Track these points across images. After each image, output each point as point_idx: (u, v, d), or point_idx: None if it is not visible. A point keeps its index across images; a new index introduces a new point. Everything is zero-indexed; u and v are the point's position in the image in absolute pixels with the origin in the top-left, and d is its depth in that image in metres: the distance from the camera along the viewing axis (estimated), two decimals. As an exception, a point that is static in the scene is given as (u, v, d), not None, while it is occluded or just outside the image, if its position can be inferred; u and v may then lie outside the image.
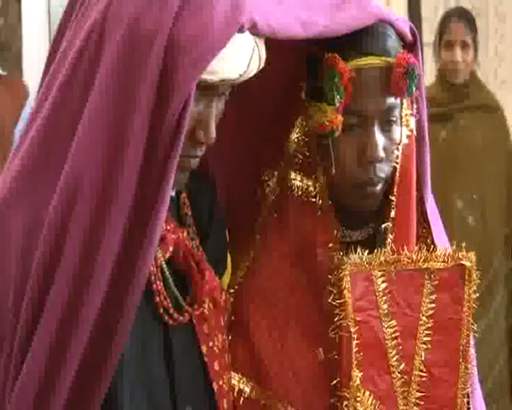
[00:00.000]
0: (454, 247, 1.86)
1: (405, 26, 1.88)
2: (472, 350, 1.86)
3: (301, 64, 1.87)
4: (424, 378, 1.82)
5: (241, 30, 1.53)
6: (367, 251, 1.81)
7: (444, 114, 4.61)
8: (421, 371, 1.82)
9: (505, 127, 5.14)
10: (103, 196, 1.50)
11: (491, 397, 4.46)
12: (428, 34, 5.17)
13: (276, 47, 1.67)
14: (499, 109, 5.13)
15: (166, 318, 1.65)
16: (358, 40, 1.79)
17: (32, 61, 4.84)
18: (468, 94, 4.97)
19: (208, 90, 1.57)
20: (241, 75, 1.59)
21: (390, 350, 1.81)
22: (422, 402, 1.81)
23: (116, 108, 1.51)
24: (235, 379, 1.81)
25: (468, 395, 1.85)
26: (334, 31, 1.75)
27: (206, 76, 1.51)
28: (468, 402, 1.85)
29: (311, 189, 1.88)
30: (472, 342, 1.85)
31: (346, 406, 1.78)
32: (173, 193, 1.67)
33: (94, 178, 1.50)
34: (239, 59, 1.57)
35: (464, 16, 5.09)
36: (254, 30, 1.57)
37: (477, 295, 1.84)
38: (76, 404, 1.53)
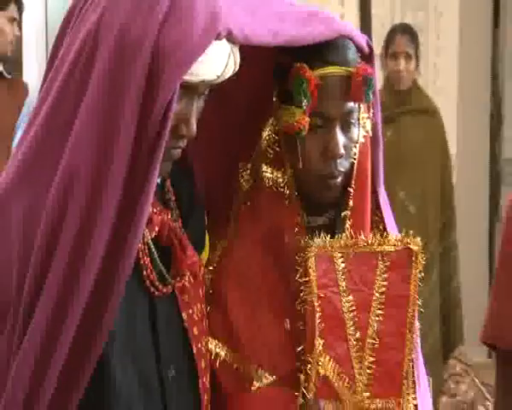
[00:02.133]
0: (403, 233, 1.87)
1: (363, 40, 1.88)
2: (416, 322, 1.86)
3: (271, 72, 1.87)
4: (376, 345, 1.82)
5: (218, 37, 1.54)
6: (328, 235, 1.81)
7: (389, 117, 4.62)
8: (373, 339, 1.82)
9: (442, 129, 5.17)
10: (97, 184, 1.50)
11: (427, 361, 4.48)
12: (376, 46, 5.19)
13: (251, 55, 1.68)
14: (437, 113, 5.17)
15: (152, 289, 1.65)
16: (323, 52, 1.79)
17: (31, 63, 4.82)
18: (411, 99, 5.01)
19: (189, 89, 1.57)
20: (218, 77, 1.59)
21: (347, 321, 1.81)
22: (374, 366, 1.82)
23: (108, 106, 1.51)
24: (212, 344, 1.81)
25: (412, 359, 1.86)
26: (300, 41, 1.75)
27: (187, 77, 1.52)
28: (412, 366, 1.86)
29: (280, 180, 1.88)
30: (416, 315, 1.85)
31: (310, 369, 1.79)
32: (159, 180, 1.66)
33: (89, 168, 1.50)
34: (216, 63, 1.57)
35: (408, 31, 5.12)
36: (230, 37, 1.57)
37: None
38: (71, 369, 1.51)
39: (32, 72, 4.71)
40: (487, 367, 5.48)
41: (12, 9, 4.41)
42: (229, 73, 1.62)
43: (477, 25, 6.44)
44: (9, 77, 4.57)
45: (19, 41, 4.74)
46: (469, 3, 6.42)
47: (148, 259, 1.65)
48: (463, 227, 5.31)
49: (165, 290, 1.67)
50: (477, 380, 5.29)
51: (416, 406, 1.88)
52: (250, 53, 1.67)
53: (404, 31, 5.10)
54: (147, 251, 1.65)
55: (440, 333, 4.94)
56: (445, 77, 6.28)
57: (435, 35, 6.40)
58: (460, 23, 6.40)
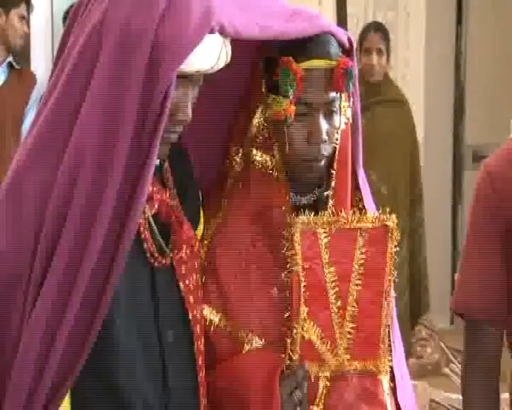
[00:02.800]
0: (380, 211, 1.87)
1: (344, 36, 1.88)
2: (392, 292, 1.86)
3: (261, 64, 1.86)
4: (355, 313, 1.82)
5: (211, 31, 1.54)
6: (313, 213, 1.81)
7: (363, 106, 4.61)
8: (353, 307, 1.82)
9: (410, 117, 5.18)
10: (102, 163, 1.50)
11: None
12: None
13: (243, 50, 1.69)
14: (406, 103, 5.18)
15: (152, 261, 1.65)
16: (307, 46, 1.79)
17: (38, 55, 4.79)
18: (382, 90, 5.01)
19: (185, 78, 1.57)
20: (212, 67, 1.59)
21: (329, 290, 1.81)
22: (354, 331, 1.82)
23: (112, 93, 1.51)
24: (207, 311, 1.81)
25: (388, 325, 1.86)
26: (286, 36, 1.76)
27: (183, 67, 1.52)
28: (388, 331, 1.86)
29: (269, 163, 1.88)
30: (392, 285, 1.85)
31: (295, 333, 1.79)
32: (158, 162, 1.65)
33: (95, 149, 1.50)
34: (210, 54, 1.57)
35: (380, 29, 5.12)
36: (222, 31, 1.57)
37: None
38: (78, 332, 1.51)
39: (39, 63, 4.69)
40: (450, 333, 5.53)
41: (22, 8, 4.40)
42: (221, 64, 1.62)
43: (442, 23, 6.45)
44: (19, 68, 4.55)
45: (27, 36, 4.73)
46: (435, 4, 6.41)
47: (149, 233, 1.65)
48: (429, 206, 5.32)
49: (164, 262, 1.67)
50: (442, 344, 5.32)
51: (391, 367, 1.88)
52: (241, 46, 1.67)
53: (377, 29, 5.10)
54: (147, 226, 1.65)
55: (408, 302, 4.96)
56: (412, 70, 6.29)
57: (404, 32, 6.40)
58: (426, 21, 6.40)
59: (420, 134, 5.36)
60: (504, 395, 1.92)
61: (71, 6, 1.63)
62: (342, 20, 5.51)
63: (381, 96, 4.96)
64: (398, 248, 1.85)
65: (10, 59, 4.48)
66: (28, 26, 4.51)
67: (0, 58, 4.43)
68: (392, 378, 1.90)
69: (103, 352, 1.56)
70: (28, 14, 4.46)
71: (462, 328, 1.97)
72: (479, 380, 1.88)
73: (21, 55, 4.66)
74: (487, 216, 1.84)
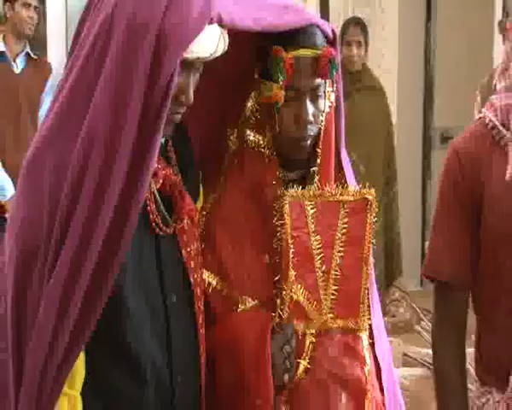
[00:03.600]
0: (360, 186, 1.86)
1: (328, 28, 1.87)
2: (371, 258, 1.86)
3: (254, 53, 1.85)
4: (338, 276, 1.81)
5: (210, 22, 1.53)
6: (300, 187, 1.80)
7: (344, 93, 4.61)
8: (336, 271, 1.81)
9: (386, 102, 5.17)
10: (112, 142, 1.50)
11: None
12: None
13: (238, 39, 1.66)
14: (382, 90, 5.17)
15: (157, 230, 1.65)
16: (296, 37, 1.78)
17: (54, 46, 4.77)
18: (361, 79, 4.99)
19: (187, 65, 1.56)
20: (211, 55, 1.58)
21: (315, 257, 1.80)
22: (337, 293, 1.82)
23: (121, 79, 1.50)
24: (206, 275, 1.81)
25: (368, 288, 1.86)
26: (277, 27, 1.75)
27: (185, 55, 1.52)
28: (368, 293, 1.86)
29: (261, 142, 1.87)
30: (370, 252, 1.85)
31: (285, 295, 1.78)
32: (162, 140, 1.65)
33: (107, 129, 1.50)
34: (209, 43, 1.56)
35: (359, 23, 5.11)
36: (220, 22, 1.57)
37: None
38: (91, 295, 1.51)
39: (55, 53, 4.66)
40: (420, 294, 5.56)
41: None
42: (219, 52, 1.60)
43: (413, 19, 6.45)
44: (35, 57, 4.52)
45: (43, 29, 4.70)
46: (407, 1, 6.41)
47: (154, 205, 1.64)
48: (402, 182, 5.33)
49: (167, 231, 1.66)
50: (413, 304, 5.35)
51: (370, 325, 1.88)
52: (236, 36, 1.65)
53: (356, 23, 5.09)
54: (153, 199, 1.64)
55: (384, 267, 4.98)
56: (387, 61, 6.29)
57: (380, 27, 6.39)
58: (399, 17, 6.41)
59: (394, 118, 5.36)
60: (469, 350, 1.92)
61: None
62: (325, 15, 5.50)
63: (360, 84, 4.95)
64: (375, 220, 1.84)
65: (27, 49, 4.45)
66: (40, 15, 4.45)
67: (18, 48, 4.40)
68: (371, 335, 1.90)
69: (113, 315, 1.56)
70: (39, 1, 4.39)
71: (431, 290, 1.97)
72: (448, 337, 1.88)
73: (38, 46, 4.63)
74: (454, 190, 1.84)
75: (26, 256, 1.52)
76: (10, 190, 4.19)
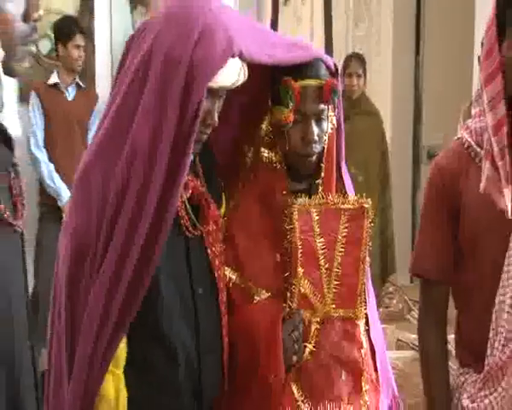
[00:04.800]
0: (358, 195, 1.86)
1: (331, 61, 1.86)
2: (367, 257, 1.85)
3: (268, 82, 1.85)
4: (339, 273, 1.81)
5: (233, 56, 1.54)
6: (307, 197, 1.80)
7: (345, 116, 4.60)
8: (337, 268, 1.81)
9: (381, 124, 5.15)
10: (150, 159, 1.51)
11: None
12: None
13: (255, 71, 1.67)
14: (378, 114, 5.15)
15: (187, 233, 1.66)
16: (303, 69, 1.78)
17: (101, 78, 4.80)
18: (360, 104, 4.97)
19: (213, 92, 1.57)
20: (233, 84, 1.59)
21: (320, 256, 1.80)
22: (338, 287, 1.81)
23: (158, 104, 1.51)
24: (227, 271, 1.80)
25: (364, 283, 1.85)
26: (287, 62, 1.75)
27: (211, 84, 1.52)
28: (364, 287, 1.85)
29: (273, 158, 1.87)
30: (367, 252, 1.85)
31: (293, 288, 1.78)
32: (192, 156, 1.64)
33: (146, 148, 1.51)
34: (231, 74, 1.57)
35: (358, 57, 5.10)
36: (241, 57, 1.57)
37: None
38: (132, 289, 1.52)
39: (102, 84, 4.69)
40: (410, 288, 5.51)
41: (77, 38, 4.36)
42: (240, 82, 1.61)
43: (404, 53, 6.40)
44: (84, 87, 4.55)
45: (92, 63, 4.73)
46: (399, 38, 6.39)
47: (185, 211, 1.65)
48: (395, 192, 5.30)
49: (195, 233, 1.67)
50: (404, 296, 5.31)
51: (366, 314, 1.87)
52: (254, 69, 1.66)
53: (357, 58, 5.09)
54: (183, 206, 1.65)
55: (379, 265, 4.95)
56: (382, 89, 6.26)
57: (376, 60, 6.37)
58: (392, 52, 6.37)
59: (388, 138, 5.33)
60: (451, 336, 1.91)
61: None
62: (329, 51, 5.49)
63: (359, 109, 4.93)
64: (372, 224, 1.84)
65: (77, 80, 4.48)
66: (87, 52, 4.50)
67: (69, 80, 4.43)
68: (367, 322, 1.90)
69: (151, 305, 1.57)
70: (86, 41, 4.41)
71: (419, 285, 1.96)
72: (432, 324, 1.87)
73: (88, 77, 4.67)
74: (437, 199, 1.83)
75: (78, 255, 1.53)
76: (66, 197, 4.21)
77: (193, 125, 1.51)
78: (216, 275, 1.71)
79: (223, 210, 1.83)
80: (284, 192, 1.84)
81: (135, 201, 1.50)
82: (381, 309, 4.82)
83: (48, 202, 4.31)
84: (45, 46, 4.62)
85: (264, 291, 1.81)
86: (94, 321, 1.50)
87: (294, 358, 1.76)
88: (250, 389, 1.77)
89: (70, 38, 4.34)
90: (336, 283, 1.81)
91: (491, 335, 1.72)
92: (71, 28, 4.35)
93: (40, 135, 4.35)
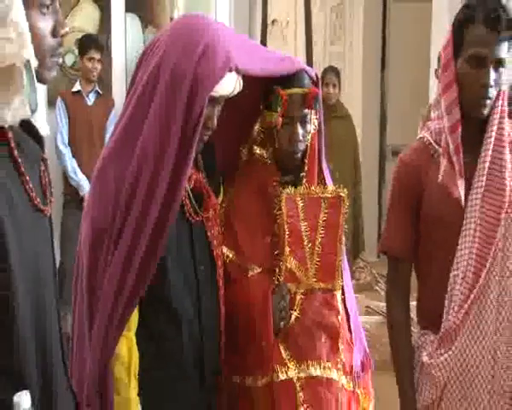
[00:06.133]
0: (336, 187, 1.86)
1: (313, 72, 1.86)
2: (344, 238, 1.84)
3: (260, 91, 1.83)
4: (320, 251, 1.81)
5: (230, 70, 1.53)
6: (293, 187, 1.80)
7: (324, 120, 4.60)
8: (318, 247, 1.80)
9: (353, 127, 5.14)
10: (159, 158, 1.49)
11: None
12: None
13: (248, 81, 1.65)
14: (351, 118, 5.14)
15: (190, 218, 1.64)
16: (290, 79, 1.77)
17: (117, 86, 4.77)
18: (336, 110, 4.96)
19: (213, 100, 1.55)
20: (230, 93, 1.57)
21: (304, 237, 1.79)
22: (319, 263, 1.81)
23: (165, 111, 1.49)
24: (225, 250, 1.79)
25: (341, 260, 1.85)
26: (277, 73, 1.75)
27: (212, 93, 1.51)
28: (341, 264, 1.85)
29: (265, 155, 1.86)
30: (343, 234, 1.84)
31: (281, 264, 1.78)
32: (194, 154, 1.62)
33: (157, 148, 1.49)
34: (229, 85, 1.55)
35: (334, 70, 5.09)
36: (237, 70, 1.56)
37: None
38: (143, 269, 1.50)
39: (118, 91, 4.66)
40: (377, 264, 5.53)
41: (91, 52, 4.32)
42: (236, 91, 1.60)
43: (372, 68, 6.42)
44: (102, 94, 4.52)
45: (109, 74, 4.70)
46: (368, 55, 6.38)
47: (188, 200, 1.63)
48: (364, 185, 5.31)
49: (197, 219, 1.65)
50: (373, 270, 5.34)
51: (342, 286, 1.88)
52: (248, 79, 1.65)
53: (332, 70, 5.07)
54: (187, 196, 1.63)
55: (352, 244, 4.96)
56: (354, 97, 6.27)
57: (349, 73, 6.36)
58: (362, 67, 6.39)
59: (359, 138, 5.33)
60: (413, 303, 1.91)
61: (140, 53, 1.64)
62: (310, 64, 5.46)
63: (335, 114, 4.91)
64: (347, 210, 1.83)
65: (97, 88, 4.46)
66: (104, 64, 4.46)
67: (89, 88, 4.41)
68: (343, 292, 1.90)
69: (159, 279, 1.55)
70: (101, 54, 4.37)
71: (385, 261, 1.95)
72: (397, 294, 1.86)
73: (106, 86, 4.64)
74: (402, 190, 1.82)
75: (97, 238, 1.51)
76: (86, 187, 4.21)
77: (196, 129, 1.50)
78: (214, 254, 1.70)
79: (221, 199, 1.81)
80: (274, 183, 1.83)
81: (145, 192, 1.48)
82: (353, 281, 4.83)
83: (71, 191, 4.30)
84: (70, 59, 4.58)
85: (256, 267, 1.80)
86: (111, 293, 1.49)
87: (282, 323, 1.75)
88: (246, 349, 1.77)
89: (86, 52, 4.33)
90: (317, 260, 1.80)
91: (446, 303, 1.72)
92: (87, 44, 4.34)
93: (65, 134, 4.33)
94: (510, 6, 1.69)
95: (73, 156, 4.33)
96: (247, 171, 1.87)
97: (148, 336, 1.58)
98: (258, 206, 1.83)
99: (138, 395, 1.54)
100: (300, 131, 1.80)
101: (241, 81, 1.60)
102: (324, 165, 1.93)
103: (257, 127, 1.88)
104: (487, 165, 1.69)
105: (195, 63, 1.49)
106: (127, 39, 4.81)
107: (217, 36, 1.54)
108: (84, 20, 4.69)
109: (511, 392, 1.69)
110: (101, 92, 4.48)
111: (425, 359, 1.76)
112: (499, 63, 1.66)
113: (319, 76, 1.92)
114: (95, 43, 4.35)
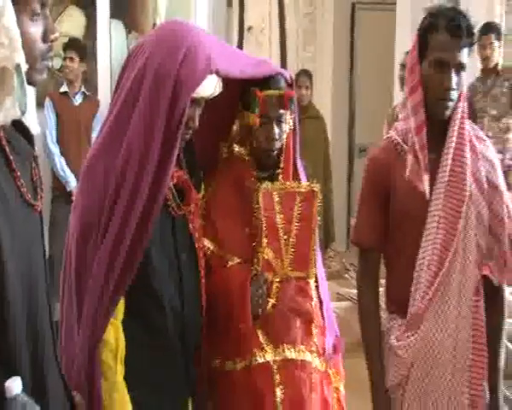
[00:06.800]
0: (309, 182, 1.85)
1: (288, 75, 1.84)
2: (317, 229, 1.84)
3: (239, 92, 1.82)
4: (295, 242, 1.80)
5: (211, 72, 1.51)
6: (270, 182, 1.79)
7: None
8: (293, 238, 1.80)
9: (324, 126, 5.12)
10: (144, 154, 1.47)
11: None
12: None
13: (228, 83, 1.64)
14: (322, 118, 5.13)
15: (173, 212, 1.62)
16: (267, 82, 1.76)
17: (102, 89, 4.72)
18: (308, 110, 4.94)
19: (194, 101, 1.53)
20: (211, 94, 1.56)
21: (280, 229, 1.79)
22: (294, 253, 1.80)
23: (149, 111, 1.48)
24: (206, 242, 1.77)
25: (315, 249, 1.84)
26: (255, 75, 1.73)
27: (193, 95, 1.49)
28: (315, 253, 1.84)
29: (243, 152, 1.85)
30: (317, 226, 1.83)
31: (259, 255, 1.77)
32: (177, 152, 1.61)
33: (141, 146, 1.47)
34: (209, 87, 1.54)
35: (306, 73, 5.07)
36: (217, 73, 1.54)
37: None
38: (129, 258, 1.48)
39: (103, 93, 4.62)
40: (346, 254, 5.58)
41: (68, 52, 4.27)
42: (216, 93, 1.58)
43: (341, 69, 6.44)
44: (89, 94, 4.47)
45: (95, 76, 4.67)
46: (338, 58, 6.40)
47: (171, 195, 1.62)
48: (334, 180, 5.29)
49: (180, 213, 1.64)
50: (342, 260, 5.36)
51: (315, 274, 1.87)
52: (228, 82, 1.63)
53: (305, 73, 5.05)
54: (170, 191, 1.61)
55: (323, 236, 4.97)
56: (325, 98, 6.29)
57: (320, 75, 6.37)
58: (333, 68, 6.41)
59: (329, 137, 5.34)
60: (381, 290, 1.92)
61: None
62: (284, 67, 5.45)
63: (307, 114, 4.88)
64: (320, 204, 1.83)
65: (83, 89, 4.42)
66: (90, 67, 4.43)
67: (76, 89, 4.35)
68: (316, 280, 1.90)
69: (144, 268, 1.53)
70: (79, 55, 4.30)
71: (354, 251, 1.95)
72: (367, 282, 1.87)
73: (92, 87, 4.60)
74: (372, 185, 1.83)
75: (85, 230, 1.49)
76: (73, 183, 4.18)
77: (178, 128, 1.48)
78: (196, 246, 1.68)
79: (202, 194, 1.80)
80: (252, 179, 1.82)
81: (131, 186, 1.46)
82: (324, 269, 4.85)
83: (59, 186, 4.26)
84: (57, 62, 4.52)
85: (235, 258, 1.79)
86: (98, 282, 1.47)
87: (260, 310, 1.74)
88: (226, 334, 1.76)
89: (65, 53, 4.29)
90: (293, 250, 1.80)
91: (413, 289, 1.73)
92: (66, 45, 4.30)
93: (54, 133, 4.29)
94: (470, 15, 1.71)
95: (61, 153, 4.29)
96: (226, 167, 1.85)
97: (135, 321, 1.56)
98: (236, 200, 1.81)
99: (124, 379, 1.52)
100: (277, 130, 1.79)
101: (221, 83, 1.59)
102: (299, 162, 1.92)
103: (236, 127, 1.86)
104: (450, 162, 1.71)
105: (178, 66, 1.47)
106: (112, 44, 4.77)
107: (198, 40, 1.53)
108: (71, 25, 4.64)
109: (470, 369, 1.71)
110: (87, 93, 4.44)
111: (393, 342, 1.77)
112: (460, 67, 1.67)
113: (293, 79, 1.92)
114: (73, 44, 4.32)
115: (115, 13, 4.77)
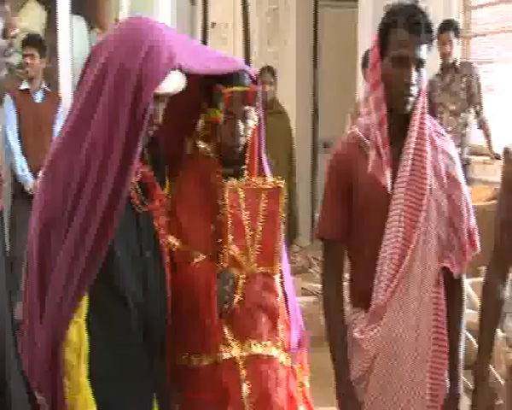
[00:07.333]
0: (274, 178, 1.86)
1: (252, 72, 1.85)
2: (282, 225, 1.84)
3: (203, 88, 1.81)
4: (260, 239, 1.80)
5: (173, 69, 1.51)
6: (235, 179, 1.79)
7: (261, 115, 4.60)
8: (259, 235, 1.80)
9: (288, 122, 5.13)
10: (107, 150, 1.47)
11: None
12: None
13: (192, 79, 1.63)
14: (286, 114, 5.13)
15: (137, 209, 1.61)
16: (231, 78, 1.76)
17: (64, 85, 4.65)
18: (272, 106, 4.93)
19: (158, 97, 1.53)
20: (174, 90, 1.56)
21: (245, 226, 1.79)
22: (259, 250, 1.80)
23: (113, 107, 1.47)
24: (171, 239, 1.76)
25: (280, 245, 1.85)
26: (218, 72, 1.73)
27: (157, 91, 1.49)
28: (280, 249, 1.85)
29: (208, 149, 1.84)
30: (282, 222, 1.83)
31: (225, 251, 1.77)
32: (140, 148, 1.59)
33: (105, 142, 1.47)
34: (173, 82, 1.54)
35: (270, 69, 5.05)
36: (180, 68, 1.54)
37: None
38: (94, 252, 1.47)
39: (65, 89, 4.55)
40: (311, 248, 5.60)
41: (27, 48, 4.17)
42: (180, 89, 1.58)
43: (305, 67, 6.47)
44: (50, 91, 4.39)
45: (57, 72, 4.58)
46: (301, 55, 6.42)
47: (135, 192, 1.61)
48: (299, 176, 5.31)
49: (144, 209, 1.63)
50: (307, 254, 5.39)
51: (281, 269, 1.88)
52: (191, 77, 1.62)
53: (269, 69, 5.04)
54: (134, 188, 1.60)
55: (287, 230, 4.96)
56: (289, 94, 6.29)
57: (284, 72, 6.38)
58: (296, 66, 6.42)
59: (293, 132, 5.35)
60: (346, 283, 1.93)
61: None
62: (248, 64, 5.45)
63: (271, 110, 4.87)
64: (285, 200, 1.83)
65: (44, 86, 4.34)
66: (57, 66, 4.36)
67: (37, 85, 4.27)
68: (281, 276, 1.90)
69: (108, 265, 1.52)
70: (39, 51, 4.20)
71: (318, 245, 1.96)
72: (331, 276, 1.87)
73: (53, 83, 4.53)
74: (335, 180, 1.83)
75: (47, 226, 1.48)
76: (31, 183, 4.13)
77: (141, 124, 1.48)
78: (161, 242, 1.67)
79: (166, 190, 1.78)
80: (217, 175, 1.82)
81: (95, 183, 1.46)
82: (289, 264, 4.87)
83: (19, 184, 4.19)
84: (16, 59, 4.42)
85: (201, 254, 1.78)
86: (61, 280, 1.45)
87: (226, 306, 1.74)
88: (192, 330, 1.75)
89: (23, 49, 4.20)
90: (258, 246, 1.80)
91: (376, 282, 1.75)
92: (24, 41, 4.20)
93: (15, 130, 4.21)
94: (429, 12, 1.73)
95: (22, 150, 4.21)
96: (191, 164, 1.84)
97: (98, 318, 1.54)
98: (201, 197, 1.81)
99: (88, 377, 1.50)
100: (241, 126, 1.78)
101: (185, 79, 1.58)
102: (264, 158, 1.92)
103: (200, 123, 1.85)
104: (411, 156, 1.73)
105: (141, 62, 1.47)
106: (73, 40, 4.68)
107: (161, 36, 1.52)
108: (31, 21, 4.55)
109: (431, 360, 1.74)
110: (48, 90, 4.36)
111: (356, 334, 1.78)
112: (420, 63, 1.69)
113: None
114: (31, 40, 4.23)
115: (77, 8, 4.70)
